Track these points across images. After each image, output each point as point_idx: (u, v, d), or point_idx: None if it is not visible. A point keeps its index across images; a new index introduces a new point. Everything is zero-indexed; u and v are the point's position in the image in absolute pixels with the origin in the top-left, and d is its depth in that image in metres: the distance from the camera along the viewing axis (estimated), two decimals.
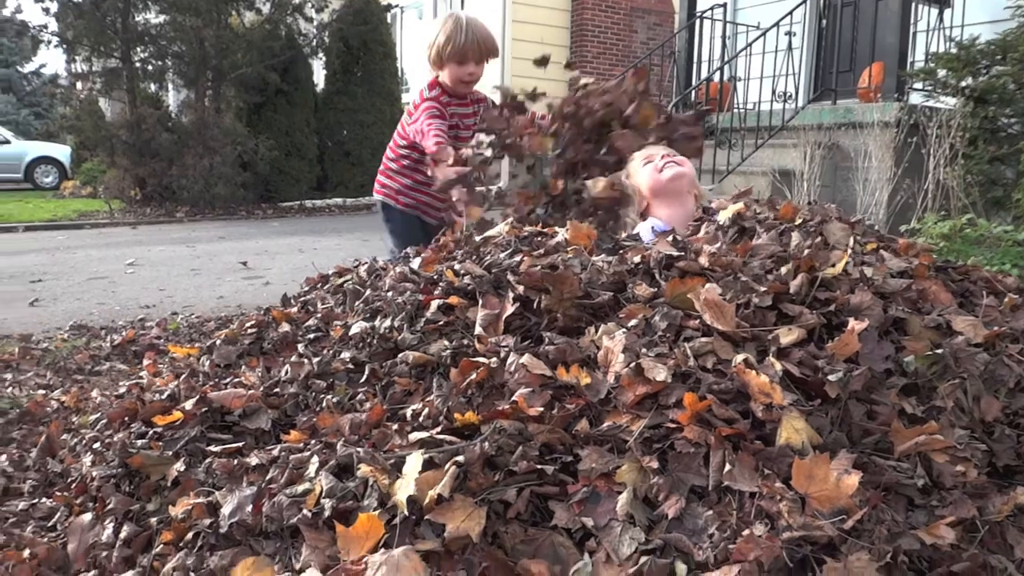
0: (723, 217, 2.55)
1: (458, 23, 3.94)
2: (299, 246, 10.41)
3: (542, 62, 4.01)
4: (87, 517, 2.17)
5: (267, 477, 1.91)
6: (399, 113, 17.04)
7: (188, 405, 2.36)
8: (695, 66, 11.55)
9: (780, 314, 2.01)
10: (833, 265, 2.12)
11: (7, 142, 24.15)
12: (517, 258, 2.40)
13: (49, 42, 15.89)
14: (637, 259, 2.27)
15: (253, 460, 2.01)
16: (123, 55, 15.44)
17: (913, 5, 9.48)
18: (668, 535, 1.56)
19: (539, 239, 2.59)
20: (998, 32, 7.44)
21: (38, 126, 30.59)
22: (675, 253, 2.22)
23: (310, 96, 16.62)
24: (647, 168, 3.15)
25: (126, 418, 2.55)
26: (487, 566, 1.56)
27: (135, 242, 11.12)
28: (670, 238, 2.38)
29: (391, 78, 17.15)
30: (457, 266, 2.51)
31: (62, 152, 23.77)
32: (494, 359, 2.04)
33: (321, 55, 16.87)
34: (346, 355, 2.40)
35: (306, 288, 3.19)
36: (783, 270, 2.12)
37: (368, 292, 2.72)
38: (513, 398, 1.87)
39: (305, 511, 1.73)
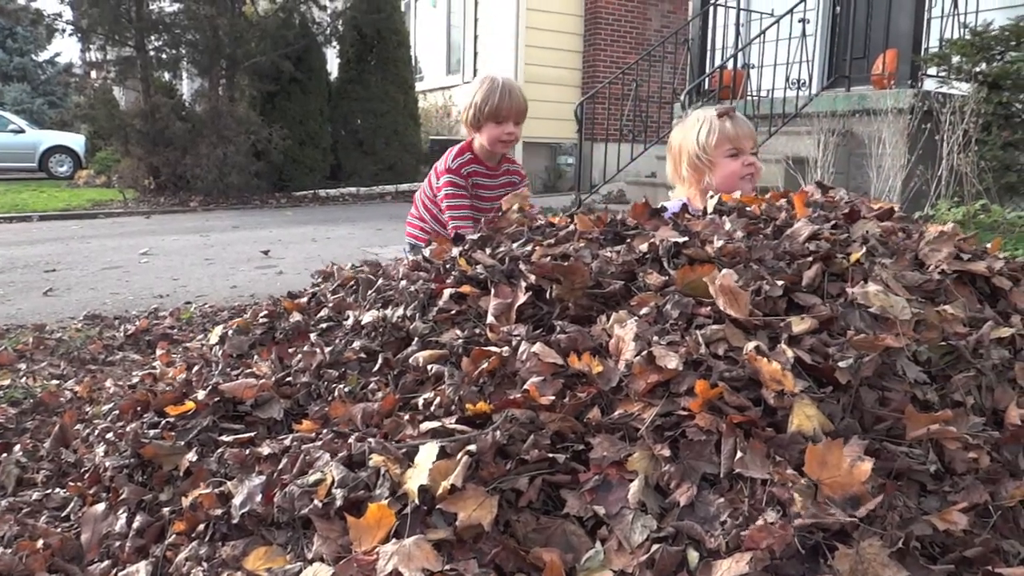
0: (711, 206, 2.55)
1: (494, 83, 3.94)
2: (312, 235, 10.42)
3: None
4: (100, 507, 2.18)
5: (279, 467, 1.92)
6: (412, 102, 17.07)
7: (200, 395, 2.37)
8: (709, 53, 11.50)
9: (791, 303, 2.00)
10: (848, 257, 2.11)
11: (22, 131, 24.22)
12: (528, 247, 2.40)
13: (64, 30, 15.86)
14: (644, 247, 2.26)
15: (265, 450, 2.02)
16: (137, 44, 15.44)
17: None
18: (680, 523, 1.56)
19: (550, 229, 2.59)
20: (1011, 18, 7.41)
21: (52, 115, 30.69)
22: (681, 240, 2.21)
23: (324, 85, 16.61)
24: (730, 163, 3.17)
25: (139, 408, 2.56)
26: (499, 554, 1.56)
27: (149, 231, 11.15)
28: (671, 223, 2.38)
29: (405, 67, 17.13)
30: (470, 255, 2.51)
31: (76, 141, 23.83)
32: (506, 348, 2.03)
33: (335, 44, 16.85)
34: (358, 344, 2.40)
35: (318, 280, 3.19)
36: (797, 262, 2.10)
37: (380, 281, 2.72)
38: (525, 387, 1.86)
39: (316, 501, 1.73)
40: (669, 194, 3.40)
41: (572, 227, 2.53)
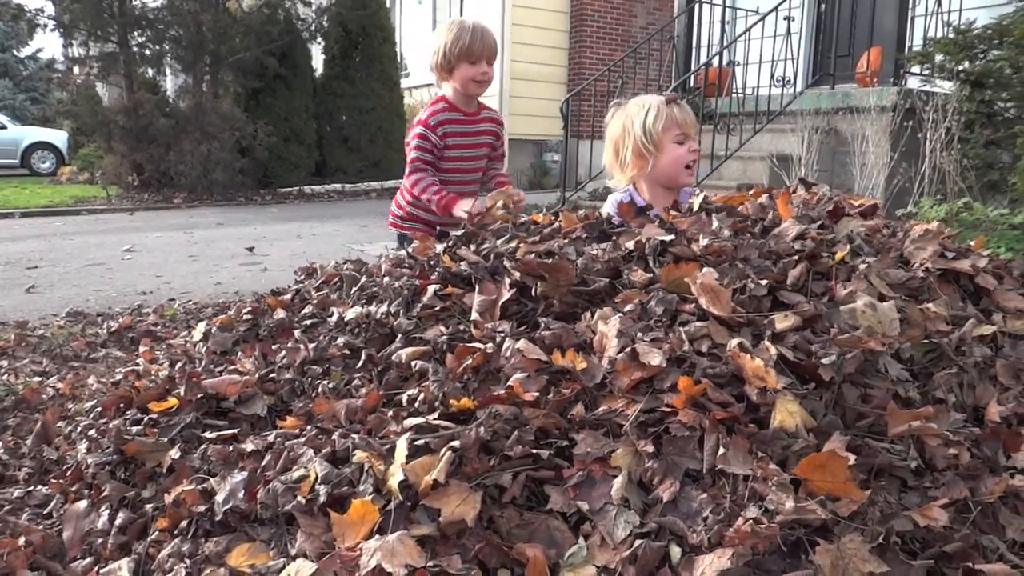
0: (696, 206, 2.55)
1: (463, 25, 3.84)
2: (297, 232, 10.40)
3: None
4: (82, 504, 2.18)
5: (262, 463, 1.91)
6: (398, 99, 17.03)
7: (183, 391, 2.36)
8: (694, 51, 11.52)
9: (776, 302, 2.01)
10: (833, 256, 2.12)
11: (3, 127, 24.11)
12: (513, 244, 2.40)
13: (45, 26, 15.76)
14: (631, 245, 2.26)
15: (248, 446, 2.01)
16: (120, 39, 15.37)
17: None
18: (662, 518, 1.56)
19: (534, 226, 2.59)
20: (994, 17, 7.44)
21: (35, 111, 30.59)
22: (667, 238, 2.22)
23: (308, 81, 16.56)
24: (677, 148, 3.19)
25: (121, 405, 2.55)
26: (482, 550, 1.56)
27: (132, 228, 11.10)
28: (658, 222, 2.39)
29: (390, 63, 17.09)
30: (454, 251, 2.51)
31: (59, 138, 23.71)
32: (490, 344, 2.04)
33: (320, 40, 16.78)
34: (342, 341, 2.39)
35: (302, 277, 3.18)
36: (783, 261, 2.11)
37: (364, 279, 2.72)
38: (509, 383, 1.87)
39: (300, 497, 1.73)
40: (608, 183, 3.42)
41: (557, 224, 2.54)
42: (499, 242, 2.48)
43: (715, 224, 2.36)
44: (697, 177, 8.49)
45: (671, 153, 3.18)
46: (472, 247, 2.52)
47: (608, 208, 3.11)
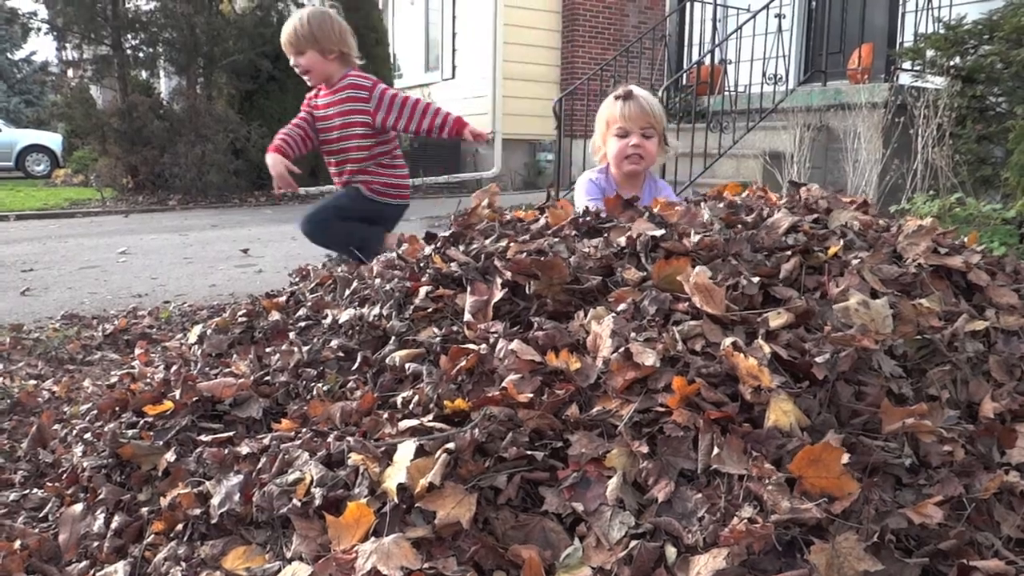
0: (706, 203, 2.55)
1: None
2: (292, 234, 10.33)
3: None
4: (78, 507, 2.17)
5: (258, 466, 1.91)
6: None
7: (179, 394, 2.36)
8: (686, 49, 11.53)
9: (768, 296, 2.01)
10: (826, 251, 2.12)
11: None
12: (502, 243, 2.40)
13: (39, 29, 15.71)
14: (622, 241, 2.27)
15: (244, 449, 2.01)
16: (114, 42, 15.33)
17: None
18: (658, 519, 1.56)
19: (520, 224, 2.59)
20: (984, 12, 7.45)
21: (29, 114, 30.57)
22: (658, 233, 2.22)
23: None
24: (617, 142, 3.40)
25: (117, 408, 2.55)
26: (478, 552, 1.56)
27: (127, 231, 11.07)
28: (647, 215, 2.39)
29: (383, 64, 17.03)
30: (444, 252, 2.51)
31: (53, 140, 23.67)
32: (483, 345, 2.04)
33: None
34: (336, 343, 2.39)
35: (296, 279, 3.18)
36: (775, 256, 2.12)
37: (356, 282, 2.72)
38: (503, 384, 1.87)
39: (295, 500, 1.73)
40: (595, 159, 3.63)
41: (544, 221, 2.54)
42: (487, 241, 2.48)
43: (706, 216, 2.36)
44: (691, 175, 8.57)
45: (612, 145, 3.42)
46: (461, 247, 2.52)
47: (579, 190, 3.46)
